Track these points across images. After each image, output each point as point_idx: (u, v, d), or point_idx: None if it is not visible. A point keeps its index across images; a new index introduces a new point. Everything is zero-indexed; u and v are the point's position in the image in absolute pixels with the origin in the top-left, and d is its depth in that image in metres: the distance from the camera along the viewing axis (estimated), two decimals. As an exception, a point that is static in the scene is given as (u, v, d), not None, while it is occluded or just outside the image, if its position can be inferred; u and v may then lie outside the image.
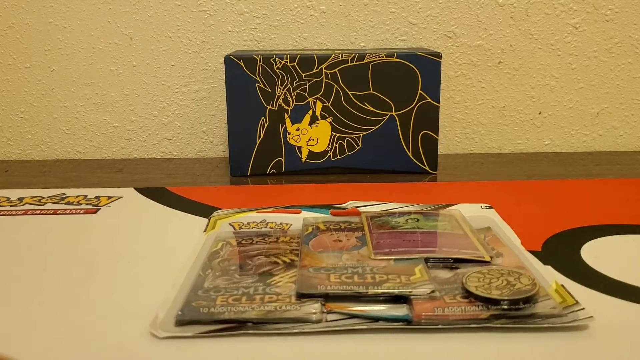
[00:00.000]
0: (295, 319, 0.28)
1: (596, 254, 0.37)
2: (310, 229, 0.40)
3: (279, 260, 0.35)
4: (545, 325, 0.28)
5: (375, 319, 0.29)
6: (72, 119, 0.68)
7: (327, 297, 0.30)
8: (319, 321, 0.28)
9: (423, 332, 0.28)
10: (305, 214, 0.44)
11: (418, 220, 0.41)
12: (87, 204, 0.48)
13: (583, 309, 0.29)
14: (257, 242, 0.39)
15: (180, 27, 0.66)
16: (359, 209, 0.45)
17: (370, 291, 0.30)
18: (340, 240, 0.38)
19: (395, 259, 0.34)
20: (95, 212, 0.46)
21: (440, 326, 0.28)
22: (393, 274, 0.32)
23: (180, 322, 0.28)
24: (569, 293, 0.31)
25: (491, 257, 0.35)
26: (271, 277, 0.33)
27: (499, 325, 0.28)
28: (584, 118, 0.68)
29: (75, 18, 0.66)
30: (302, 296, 0.30)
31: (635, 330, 0.28)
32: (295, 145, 0.57)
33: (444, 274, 0.33)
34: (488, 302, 0.29)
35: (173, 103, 0.68)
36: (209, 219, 0.44)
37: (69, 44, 0.66)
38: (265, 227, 0.42)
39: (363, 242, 0.37)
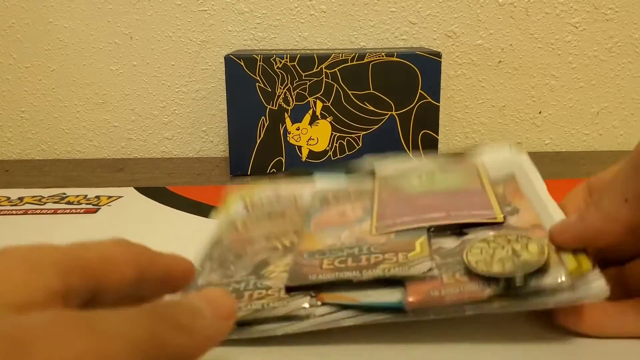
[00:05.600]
0: (283, 316, 0.27)
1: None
2: (318, 202, 0.37)
3: (278, 244, 0.34)
4: (551, 306, 0.25)
5: (367, 307, 0.27)
6: (72, 119, 0.68)
7: (318, 288, 0.28)
8: (307, 317, 0.27)
9: (418, 326, 0.27)
10: (320, 183, 0.40)
11: (434, 176, 0.37)
12: (87, 204, 0.48)
13: (600, 279, 0.25)
14: (263, 221, 0.37)
15: (180, 27, 0.66)
16: (375, 168, 0.40)
17: (364, 276, 0.28)
18: (345, 214, 0.35)
19: (396, 232, 0.31)
20: (95, 212, 0.46)
21: (432, 317, 0.26)
22: (390, 252, 0.29)
23: None
24: (587, 254, 0.27)
25: (504, 217, 0.31)
26: (266, 267, 0.31)
27: (498, 310, 0.25)
28: (584, 117, 0.68)
29: (75, 18, 0.66)
30: (290, 290, 0.28)
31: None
32: (295, 145, 0.57)
33: (450, 242, 0.30)
34: (488, 280, 0.26)
35: (173, 103, 0.68)
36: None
37: (69, 43, 0.66)
38: (277, 202, 0.39)
39: (367, 213, 0.34)
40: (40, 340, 0.16)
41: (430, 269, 0.27)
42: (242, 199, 0.40)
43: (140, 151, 0.69)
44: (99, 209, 0.47)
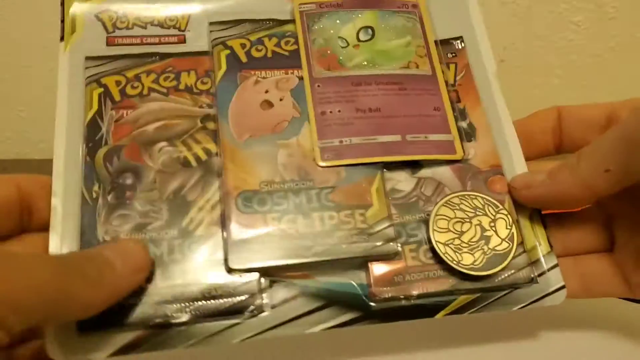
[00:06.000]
0: (230, 309, 0.23)
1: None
2: (223, 64, 0.28)
3: (189, 157, 0.26)
4: (516, 309, 0.25)
5: (325, 293, 0.24)
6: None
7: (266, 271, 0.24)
8: (258, 309, 0.23)
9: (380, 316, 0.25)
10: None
11: (372, 34, 0.30)
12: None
13: (555, 266, 0.26)
14: (148, 89, 0.27)
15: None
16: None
17: (321, 256, 0.24)
18: (271, 103, 0.28)
19: (346, 167, 0.27)
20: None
21: (399, 320, 0.24)
22: (345, 209, 0.25)
23: (85, 329, 0.22)
24: (542, 222, 0.27)
25: (464, 152, 0.28)
26: (186, 211, 0.25)
27: (462, 309, 0.25)
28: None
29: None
30: (233, 270, 0.24)
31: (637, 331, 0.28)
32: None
33: (405, 182, 0.27)
34: (455, 269, 0.25)
35: (173, 102, 0.67)
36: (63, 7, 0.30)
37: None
38: (155, 36, 0.29)
39: (302, 114, 0.28)
40: None
41: (396, 253, 0.25)
42: (94, 15, 0.29)
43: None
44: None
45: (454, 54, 0.31)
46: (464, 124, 0.29)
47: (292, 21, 0.30)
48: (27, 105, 0.68)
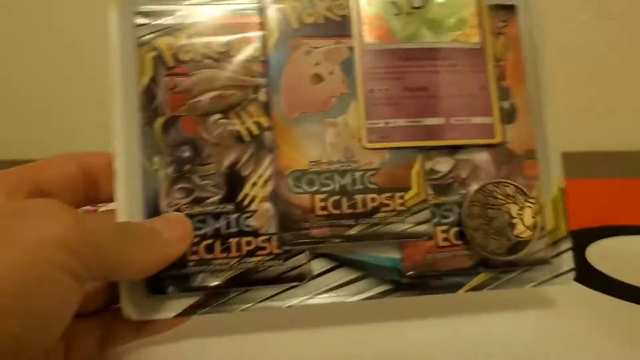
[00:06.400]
0: (279, 278, 0.26)
1: (601, 255, 0.36)
2: (275, 31, 0.28)
3: (242, 130, 0.27)
4: (528, 287, 0.27)
5: (363, 265, 0.27)
6: (71, 118, 0.68)
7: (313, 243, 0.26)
8: (304, 277, 0.26)
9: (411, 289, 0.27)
10: None
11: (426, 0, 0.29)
12: (86, 204, 0.48)
13: (568, 249, 0.28)
14: (201, 55, 0.27)
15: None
16: None
17: (361, 233, 0.26)
18: (321, 77, 0.28)
19: (390, 150, 0.28)
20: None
21: (427, 280, 0.27)
22: (386, 192, 0.27)
23: (154, 292, 0.25)
24: (564, 207, 0.29)
25: (502, 139, 0.29)
26: (241, 186, 0.26)
27: (479, 280, 0.27)
28: (588, 118, 0.68)
29: (74, 16, 0.65)
30: (285, 244, 0.26)
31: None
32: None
33: (443, 162, 0.28)
34: (482, 254, 0.27)
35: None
36: None
37: (68, 43, 0.66)
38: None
39: (350, 89, 0.28)
40: (36, 210, 0.20)
41: (428, 233, 0.27)
42: None
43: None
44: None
45: (504, 22, 0.30)
46: (505, 104, 0.29)
47: None
48: (26, 106, 0.68)
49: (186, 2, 0.28)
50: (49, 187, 0.25)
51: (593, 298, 0.31)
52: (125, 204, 0.25)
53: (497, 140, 0.29)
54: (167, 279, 0.25)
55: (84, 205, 0.27)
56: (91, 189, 0.27)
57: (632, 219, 0.43)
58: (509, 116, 0.29)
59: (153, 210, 0.26)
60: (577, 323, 0.28)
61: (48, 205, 0.21)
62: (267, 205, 0.26)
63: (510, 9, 0.30)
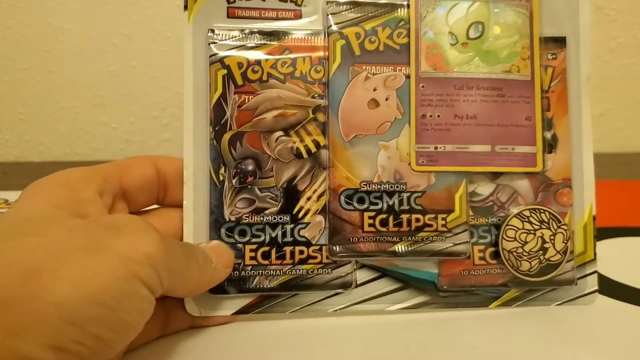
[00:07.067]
0: (326, 284, 0.28)
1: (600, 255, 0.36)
2: (338, 56, 0.29)
3: (301, 148, 0.29)
4: (553, 305, 0.29)
5: (403, 277, 0.29)
6: (70, 120, 0.68)
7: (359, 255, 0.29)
8: (349, 284, 0.28)
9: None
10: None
11: (481, 31, 0.30)
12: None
13: (593, 272, 0.30)
14: (267, 74, 0.28)
15: (180, 28, 0.65)
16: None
17: (404, 251, 0.29)
18: (377, 102, 0.30)
19: (436, 173, 0.29)
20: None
21: (460, 304, 0.29)
22: (430, 214, 0.29)
23: (215, 292, 0.28)
24: (593, 232, 0.30)
25: (544, 165, 0.30)
26: (297, 198, 0.29)
27: (509, 296, 0.29)
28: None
29: (74, 18, 0.65)
30: (334, 254, 0.29)
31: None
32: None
33: (484, 186, 0.30)
34: (514, 274, 0.29)
35: (172, 104, 0.67)
36: None
37: (68, 44, 0.66)
38: (273, 10, 0.30)
39: (404, 115, 0.29)
40: (127, 226, 0.22)
41: (466, 253, 0.29)
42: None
43: (139, 153, 0.69)
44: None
45: (554, 56, 0.31)
46: (548, 135, 0.31)
47: (407, 6, 0.30)
48: (26, 108, 0.68)
49: (256, 23, 0.30)
50: (130, 187, 0.27)
51: (593, 298, 0.31)
52: (192, 211, 0.28)
53: (538, 168, 0.30)
54: (227, 281, 0.28)
55: (150, 205, 0.29)
56: (161, 192, 0.29)
57: (632, 220, 0.43)
58: (550, 146, 0.31)
59: (217, 218, 0.28)
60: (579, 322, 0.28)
61: (137, 222, 0.22)
62: (320, 218, 0.29)
63: (560, 41, 0.31)
